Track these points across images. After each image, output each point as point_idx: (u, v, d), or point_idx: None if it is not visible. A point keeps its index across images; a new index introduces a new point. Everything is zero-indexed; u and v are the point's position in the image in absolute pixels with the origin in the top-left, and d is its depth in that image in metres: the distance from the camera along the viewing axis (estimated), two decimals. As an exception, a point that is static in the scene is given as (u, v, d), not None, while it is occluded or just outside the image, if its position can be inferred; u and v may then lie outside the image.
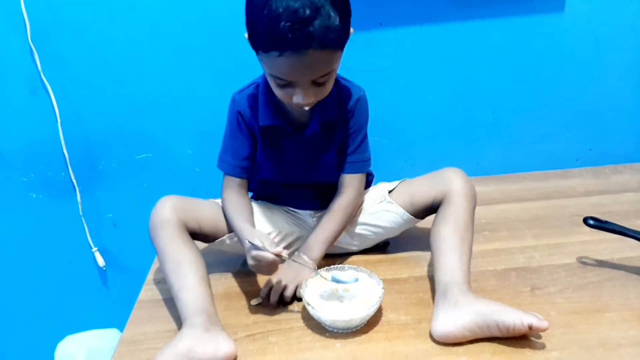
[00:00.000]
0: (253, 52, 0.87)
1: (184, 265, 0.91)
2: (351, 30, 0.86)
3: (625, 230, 0.96)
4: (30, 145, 1.33)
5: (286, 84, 0.85)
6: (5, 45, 1.24)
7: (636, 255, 1.00)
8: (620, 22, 1.29)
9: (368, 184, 1.11)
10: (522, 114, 1.38)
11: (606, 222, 0.98)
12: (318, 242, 1.00)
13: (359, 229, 1.06)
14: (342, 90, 0.98)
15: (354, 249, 1.09)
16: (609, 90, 1.36)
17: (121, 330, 0.94)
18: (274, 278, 0.95)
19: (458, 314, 0.82)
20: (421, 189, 1.02)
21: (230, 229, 1.00)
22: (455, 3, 1.26)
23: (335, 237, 1.02)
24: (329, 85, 0.88)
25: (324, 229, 1.00)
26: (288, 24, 0.76)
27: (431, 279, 0.97)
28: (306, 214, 1.08)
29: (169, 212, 0.95)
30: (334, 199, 1.03)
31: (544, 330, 0.79)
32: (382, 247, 1.11)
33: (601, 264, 1.00)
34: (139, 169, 1.38)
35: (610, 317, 0.86)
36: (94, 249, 1.43)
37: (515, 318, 0.79)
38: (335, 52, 0.83)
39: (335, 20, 0.79)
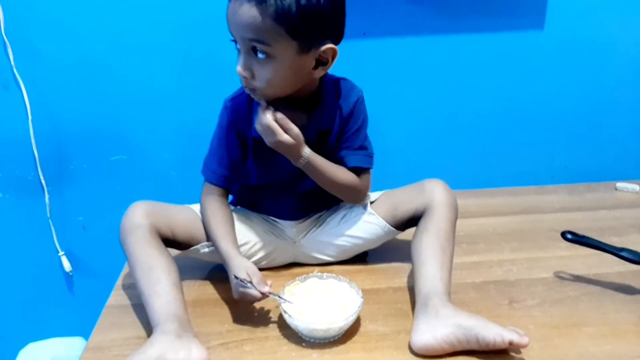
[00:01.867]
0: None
1: (155, 270, 0.87)
2: (331, 46, 0.85)
3: (603, 245, 0.97)
4: (-2, 142, 1.28)
5: (238, 51, 0.85)
6: (-23, 37, 1.19)
7: (612, 271, 1.01)
8: (598, 42, 1.32)
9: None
10: (500, 130, 1.39)
11: (584, 236, 0.98)
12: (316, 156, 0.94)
13: (338, 240, 1.04)
14: (340, 95, 0.96)
15: (332, 260, 1.07)
16: (585, 109, 1.39)
17: (87, 339, 0.90)
18: None
19: (438, 325, 0.81)
20: (403, 199, 1.01)
21: (207, 238, 0.97)
22: (439, 16, 1.27)
23: (331, 169, 0.96)
24: (269, 69, 0.84)
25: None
26: None
27: (410, 290, 0.96)
28: (287, 224, 1.05)
29: (140, 217, 0.92)
30: None
31: (524, 346, 0.79)
32: (361, 257, 1.09)
33: (578, 279, 1.00)
34: (112, 171, 1.33)
35: (587, 331, 0.86)
36: (61, 252, 1.38)
37: (495, 334, 0.78)
38: (271, 23, 0.79)
39: None
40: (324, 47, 0.85)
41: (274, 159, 0.97)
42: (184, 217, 0.99)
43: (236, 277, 0.87)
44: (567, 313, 0.91)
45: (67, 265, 1.38)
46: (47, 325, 1.43)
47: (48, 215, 1.34)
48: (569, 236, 0.98)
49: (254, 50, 0.83)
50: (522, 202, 1.34)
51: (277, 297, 0.87)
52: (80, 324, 1.37)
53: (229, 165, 0.97)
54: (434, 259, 0.90)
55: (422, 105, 1.36)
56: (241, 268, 0.87)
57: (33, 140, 1.27)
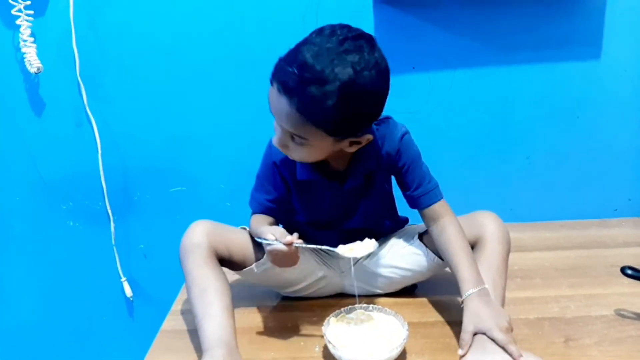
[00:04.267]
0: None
1: (209, 292, 0.90)
2: (367, 136, 0.86)
3: (667, 282, 0.91)
4: (71, 174, 1.38)
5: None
6: (56, 78, 1.31)
7: (679, 311, 0.95)
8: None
9: (401, 226, 1.10)
10: (557, 160, 1.35)
11: (646, 272, 0.93)
12: (471, 272, 0.90)
13: (386, 271, 1.04)
14: (382, 136, 0.95)
15: (380, 292, 1.07)
16: (648, 139, 1.33)
17: (142, 364, 0.94)
18: None
19: (485, 360, 0.79)
20: None
21: (252, 239, 0.99)
22: (489, 48, 1.27)
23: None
24: (305, 151, 0.86)
25: (466, 260, 0.91)
26: (286, 60, 0.79)
27: (459, 324, 0.93)
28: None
29: (200, 236, 0.95)
30: (438, 235, 0.96)
31: (577, 384, 0.75)
32: (409, 290, 1.08)
33: (641, 317, 0.95)
34: (172, 202, 1.41)
35: (651, 374, 0.81)
36: (123, 278, 1.45)
37: (546, 370, 0.75)
38: (306, 123, 0.80)
39: (328, 95, 0.77)
40: (360, 138, 0.86)
41: (318, 199, 0.99)
42: (240, 237, 1.01)
43: (260, 238, 0.89)
44: (628, 353, 0.85)
45: (128, 291, 1.45)
46: (107, 349, 1.50)
47: (113, 242, 1.42)
48: (629, 272, 0.94)
49: (291, 135, 0.84)
50: (582, 236, 1.29)
51: (302, 245, 0.87)
52: (138, 348, 1.42)
53: (272, 199, 1.01)
54: (482, 293, 0.88)
55: (475, 137, 1.35)
56: (266, 232, 0.89)
57: (102, 173, 1.36)
